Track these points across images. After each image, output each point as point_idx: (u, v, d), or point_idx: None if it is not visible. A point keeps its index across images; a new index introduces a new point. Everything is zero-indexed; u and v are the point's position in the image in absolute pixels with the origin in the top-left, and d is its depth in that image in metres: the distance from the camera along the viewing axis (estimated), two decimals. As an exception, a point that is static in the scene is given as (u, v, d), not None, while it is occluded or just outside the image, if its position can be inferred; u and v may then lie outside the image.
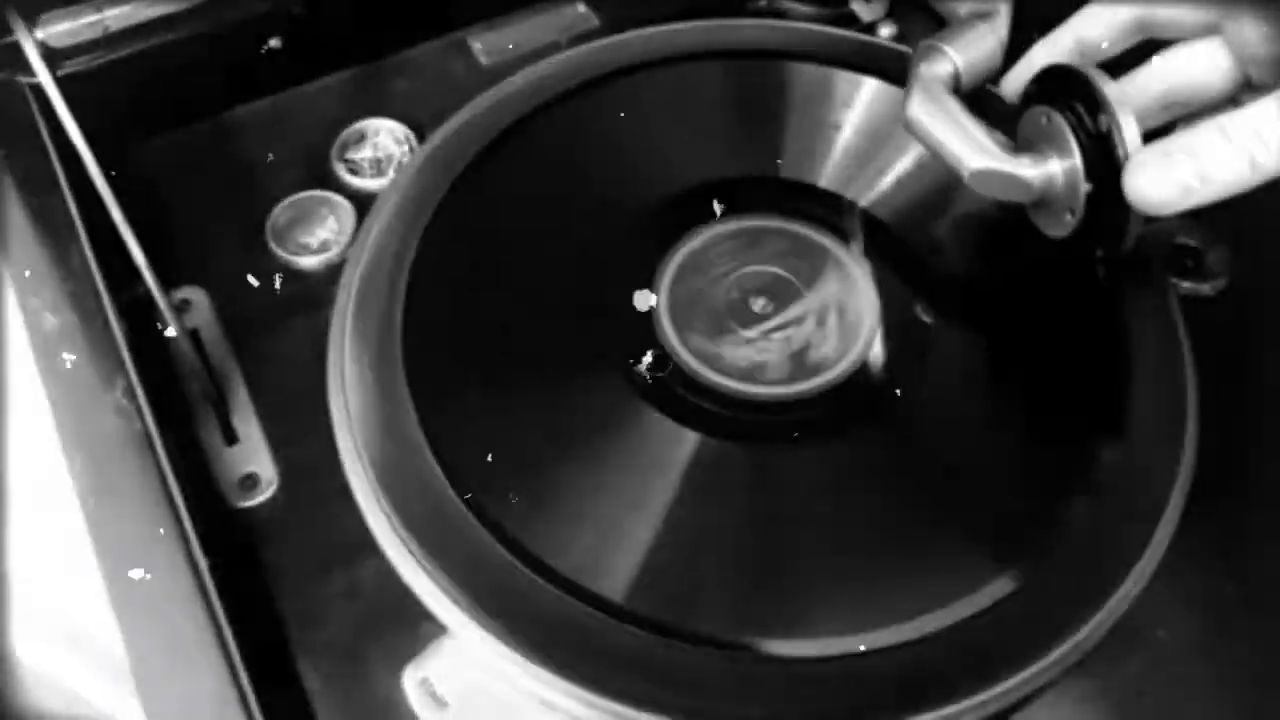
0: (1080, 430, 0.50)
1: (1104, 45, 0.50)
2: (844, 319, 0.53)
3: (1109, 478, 0.48)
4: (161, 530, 0.43)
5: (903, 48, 0.61)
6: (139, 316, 0.52)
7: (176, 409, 0.52)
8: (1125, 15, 0.49)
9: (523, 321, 0.52)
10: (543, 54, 0.63)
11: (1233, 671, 0.48)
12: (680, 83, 0.60)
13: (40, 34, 0.58)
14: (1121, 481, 0.48)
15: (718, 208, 0.56)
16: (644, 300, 0.53)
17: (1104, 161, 0.46)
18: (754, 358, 0.52)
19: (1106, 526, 0.46)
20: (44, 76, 0.48)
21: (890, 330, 0.53)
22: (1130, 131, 0.44)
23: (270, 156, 0.62)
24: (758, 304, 0.54)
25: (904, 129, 0.51)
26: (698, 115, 0.60)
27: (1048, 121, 0.48)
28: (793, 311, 0.53)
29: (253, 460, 0.51)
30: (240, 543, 0.49)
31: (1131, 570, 0.45)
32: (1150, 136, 0.45)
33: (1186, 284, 0.57)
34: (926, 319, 0.53)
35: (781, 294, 0.54)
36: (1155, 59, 0.49)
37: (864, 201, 0.57)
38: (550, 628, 0.43)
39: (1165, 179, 0.43)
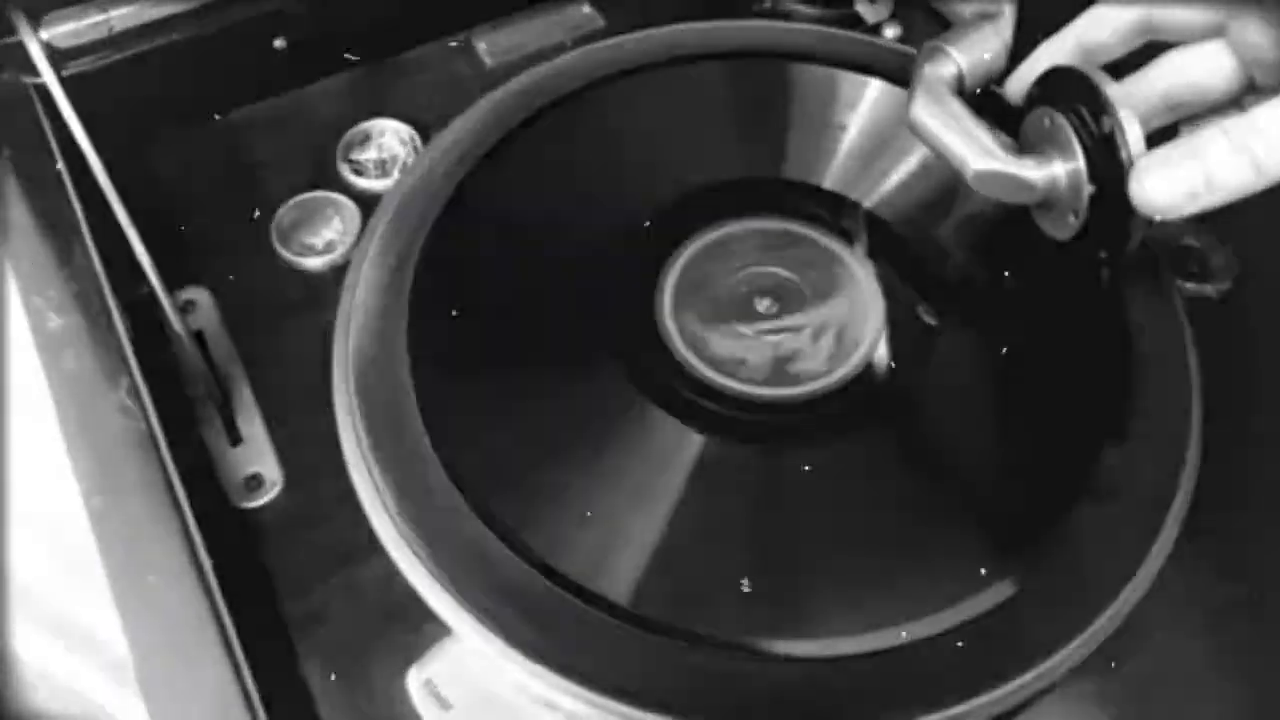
0: (1083, 432, 0.50)
1: (1109, 47, 0.50)
2: (840, 339, 0.53)
3: (1112, 479, 0.48)
4: (165, 530, 0.43)
5: (907, 49, 0.61)
6: (143, 317, 0.52)
7: (181, 409, 0.52)
8: (1130, 17, 0.49)
9: (528, 322, 0.53)
10: (548, 55, 0.63)
11: (1234, 673, 0.48)
12: (684, 84, 0.60)
13: (45, 34, 0.58)
14: (1124, 483, 0.47)
15: None
16: None
17: (1107, 164, 0.46)
18: (739, 354, 0.52)
19: (1109, 528, 0.46)
20: (49, 77, 0.48)
21: (894, 331, 0.53)
22: (1134, 134, 0.44)
23: (274, 157, 0.62)
24: (762, 304, 0.54)
25: (908, 130, 0.51)
26: (702, 116, 0.60)
27: (1051, 123, 0.48)
28: (792, 320, 0.53)
29: (257, 461, 0.51)
30: (244, 543, 0.49)
31: (1134, 572, 0.45)
32: (1154, 136, 0.45)
33: (1191, 285, 0.57)
34: (930, 320, 0.53)
35: (786, 295, 0.54)
36: (1159, 59, 0.49)
37: (868, 203, 0.57)
38: (554, 629, 0.43)
39: (1171, 184, 0.43)
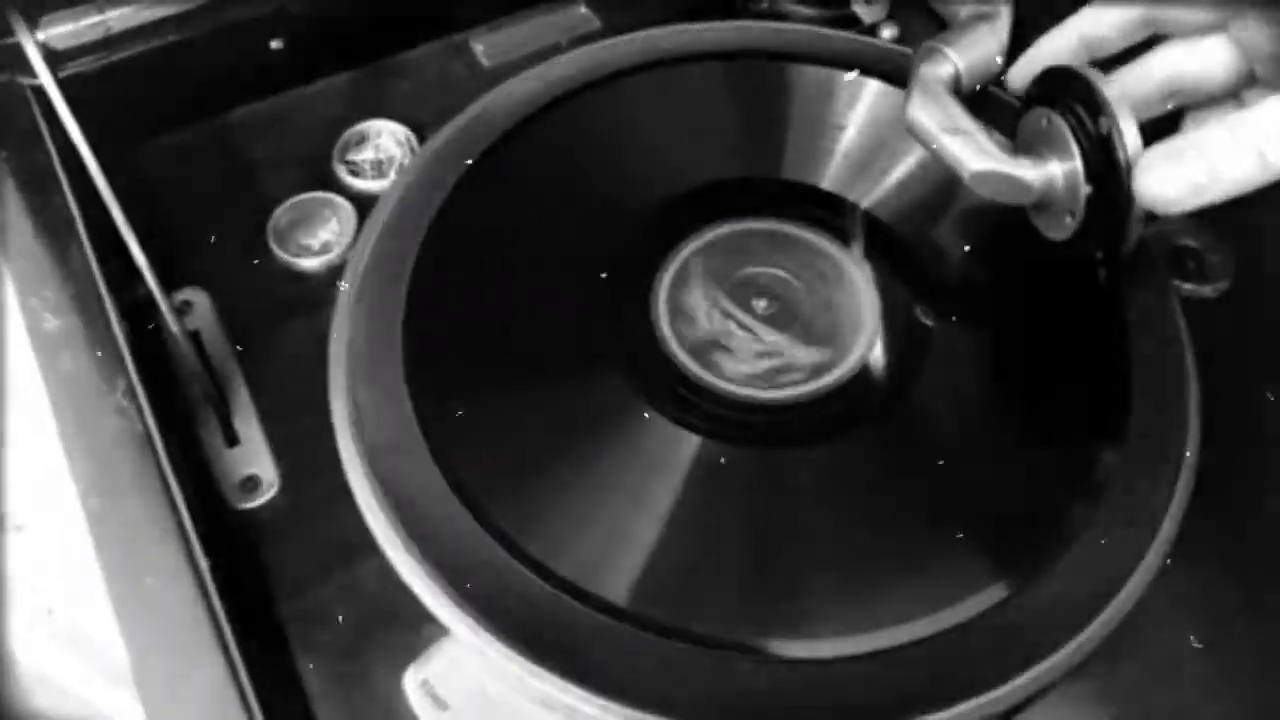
0: (1081, 432, 0.50)
1: (1110, 40, 0.50)
2: (837, 339, 0.53)
3: (1110, 479, 0.48)
4: (162, 531, 0.43)
5: (904, 49, 0.61)
6: (140, 318, 0.52)
7: (178, 410, 0.52)
8: (1131, 11, 0.49)
9: (523, 322, 0.53)
10: (544, 55, 0.63)
11: (1234, 673, 0.48)
12: (681, 85, 0.60)
13: (42, 35, 0.58)
14: (1122, 483, 0.47)
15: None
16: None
17: (1104, 164, 0.46)
18: (736, 355, 0.52)
19: (1108, 528, 0.46)
20: (45, 78, 0.48)
21: (891, 332, 0.53)
22: (1131, 134, 0.44)
23: (270, 157, 0.62)
24: (759, 305, 0.54)
25: (905, 130, 0.51)
26: (698, 117, 0.60)
27: (1048, 124, 0.48)
28: (789, 321, 0.53)
29: (254, 461, 0.51)
30: (241, 544, 0.49)
31: (1133, 572, 0.45)
32: (1153, 130, 0.45)
33: (1188, 286, 0.57)
34: (927, 321, 0.53)
35: (783, 296, 0.54)
36: (1159, 49, 0.49)
37: (865, 203, 0.57)
38: (551, 629, 0.43)
39: (1175, 177, 0.43)
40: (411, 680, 0.45)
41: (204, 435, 0.52)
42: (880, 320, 0.53)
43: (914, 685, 0.43)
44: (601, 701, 0.41)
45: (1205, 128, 0.43)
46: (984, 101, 0.52)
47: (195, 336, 0.54)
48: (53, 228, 0.51)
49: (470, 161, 0.56)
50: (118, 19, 0.60)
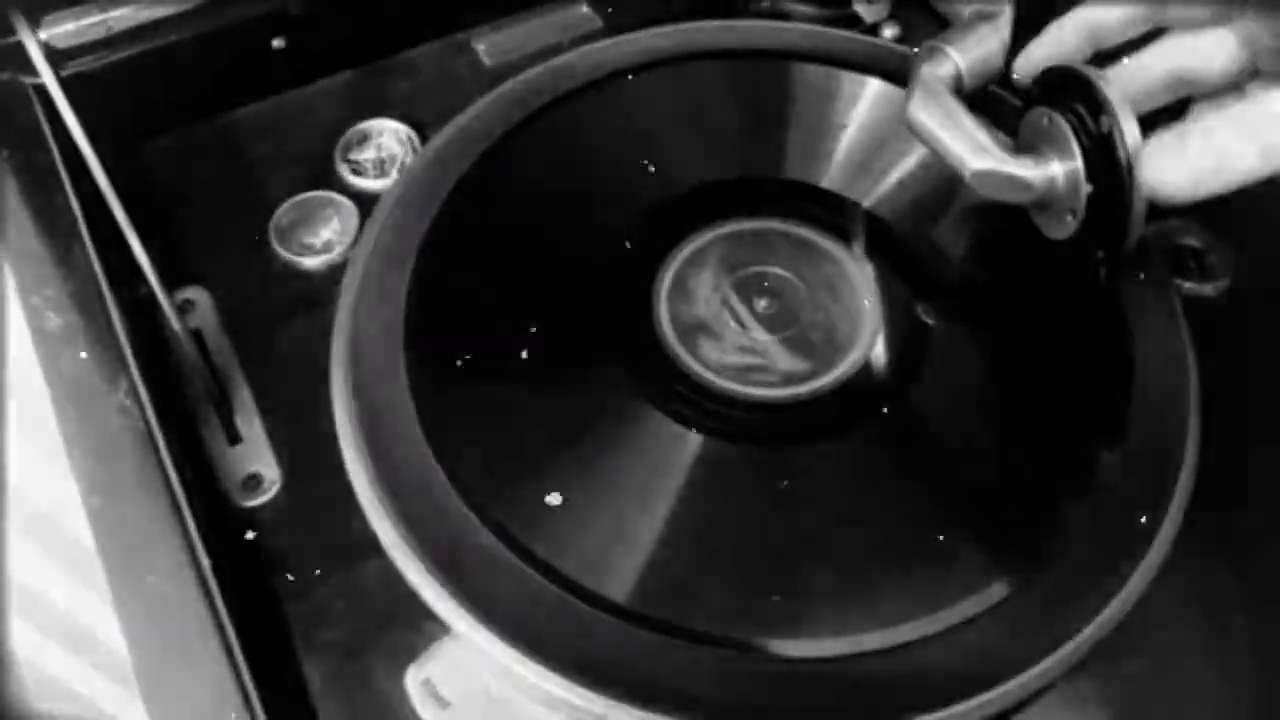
0: (1082, 431, 0.50)
1: (1115, 30, 0.50)
2: (838, 339, 0.53)
3: (1110, 478, 0.48)
4: (164, 530, 0.43)
5: (905, 49, 0.61)
6: (142, 316, 0.52)
7: (179, 409, 0.52)
8: (1135, 4, 0.49)
9: (525, 321, 0.52)
10: (546, 55, 0.63)
11: (1233, 673, 0.48)
12: (682, 84, 0.60)
13: (43, 34, 0.58)
14: (1123, 482, 0.48)
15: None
16: None
17: (1105, 163, 0.46)
18: (736, 354, 0.52)
19: (1108, 527, 0.46)
20: (48, 77, 0.48)
21: (892, 331, 0.53)
22: (1131, 133, 0.44)
23: (272, 156, 0.62)
24: (760, 304, 0.54)
25: (906, 130, 0.51)
26: (700, 116, 0.60)
27: (1049, 123, 0.48)
28: (790, 320, 0.53)
29: (256, 460, 0.51)
30: (243, 542, 0.49)
31: (1133, 571, 0.45)
32: (1153, 126, 0.45)
33: (1188, 284, 0.57)
34: (928, 320, 0.53)
35: (784, 295, 0.54)
36: (1162, 40, 0.48)
37: (867, 202, 0.57)
38: (553, 628, 0.43)
39: (1179, 164, 0.43)
40: (413, 679, 0.45)
41: (206, 434, 0.52)
42: (881, 319, 0.53)
43: (914, 684, 0.43)
44: (603, 700, 0.41)
45: (1211, 117, 0.43)
46: (985, 101, 0.52)
47: (197, 335, 0.54)
48: (55, 226, 0.51)
49: (472, 161, 0.56)
50: (119, 18, 0.60)
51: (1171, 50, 0.48)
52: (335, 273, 0.56)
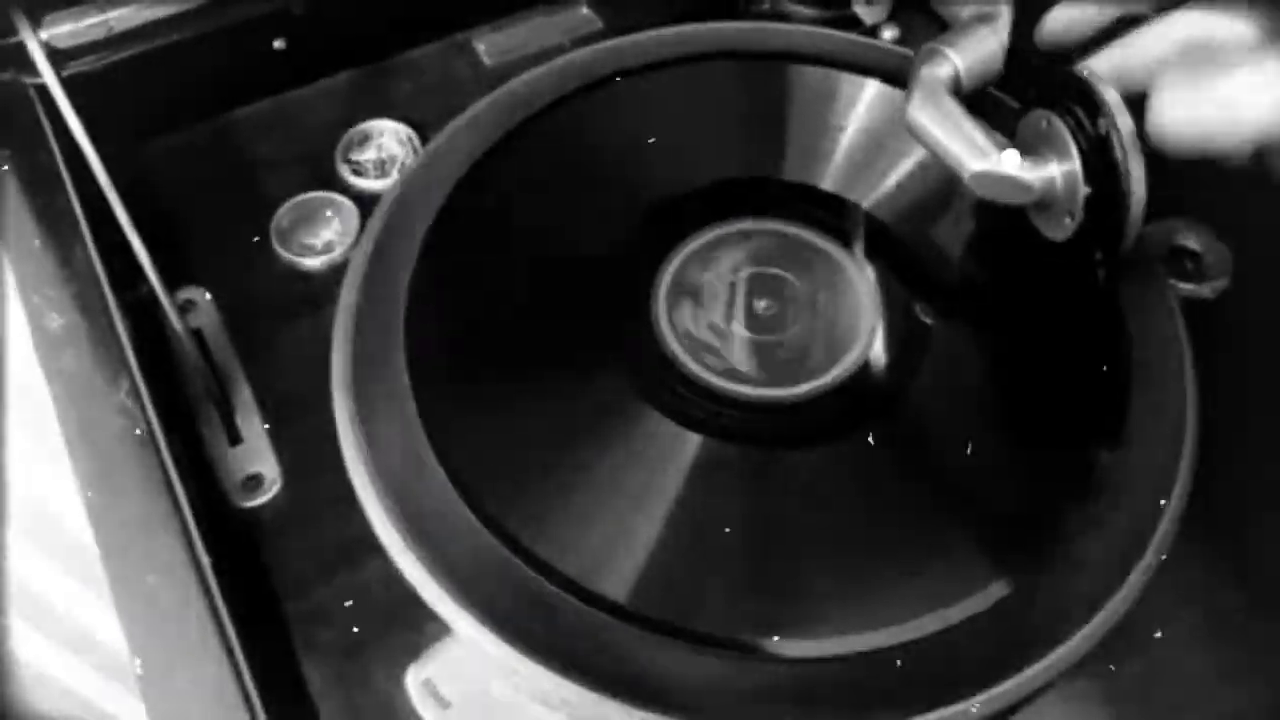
0: (1080, 432, 0.50)
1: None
2: (837, 339, 0.53)
3: (1108, 479, 0.48)
4: (165, 530, 0.44)
5: (905, 50, 0.61)
6: (143, 316, 0.52)
7: (180, 409, 0.52)
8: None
9: (526, 322, 0.53)
10: (546, 56, 0.63)
11: (1233, 672, 0.48)
12: (682, 85, 0.60)
13: (44, 34, 0.58)
14: (1121, 483, 0.48)
15: None
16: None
17: (1103, 165, 0.46)
18: (736, 355, 0.52)
19: (1106, 527, 0.46)
20: (49, 77, 0.48)
21: (891, 332, 0.53)
22: (1129, 136, 0.45)
23: (273, 157, 0.62)
24: (760, 305, 0.54)
25: (905, 131, 0.51)
26: (700, 117, 0.60)
27: (1047, 125, 0.48)
28: (789, 321, 0.53)
29: (256, 460, 0.52)
30: (244, 543, 0.49)
31: (1131, 571, 0.45)
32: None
33: (1186, 286, 0.57)
34: (927, 320, 0.53)
35: (784, 296, 0.54)
36: (1180, 10, 0.47)
37: (866, 203, 0.57)
38: (553, 628, 0.43)
39: (1188, 107, 0.42)
40: (414, 679, 0.45)
41: (206, 434, 0.52)
42: (880, 320, 0.53)
43: (914, 683, 0.43)
44: (603, 700, 0.41)
45: (1231, 57, 0.42)
46: (984, 103, 0.52)
47: (198, 335, 0.55)
48: (56, 227, 0.51)
49: (472, 162, 0.56)
50: (120, 18, 0.60)
51: (1188, 20, 0.47)
52: (336, 273, 0.56)
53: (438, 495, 0.46)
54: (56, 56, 0.58)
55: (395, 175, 0.61)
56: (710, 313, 0.53)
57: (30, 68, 0.52)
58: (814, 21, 0.68)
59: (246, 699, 0.40)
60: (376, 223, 0.54)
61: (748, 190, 0.58)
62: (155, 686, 0.40)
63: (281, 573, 0.49)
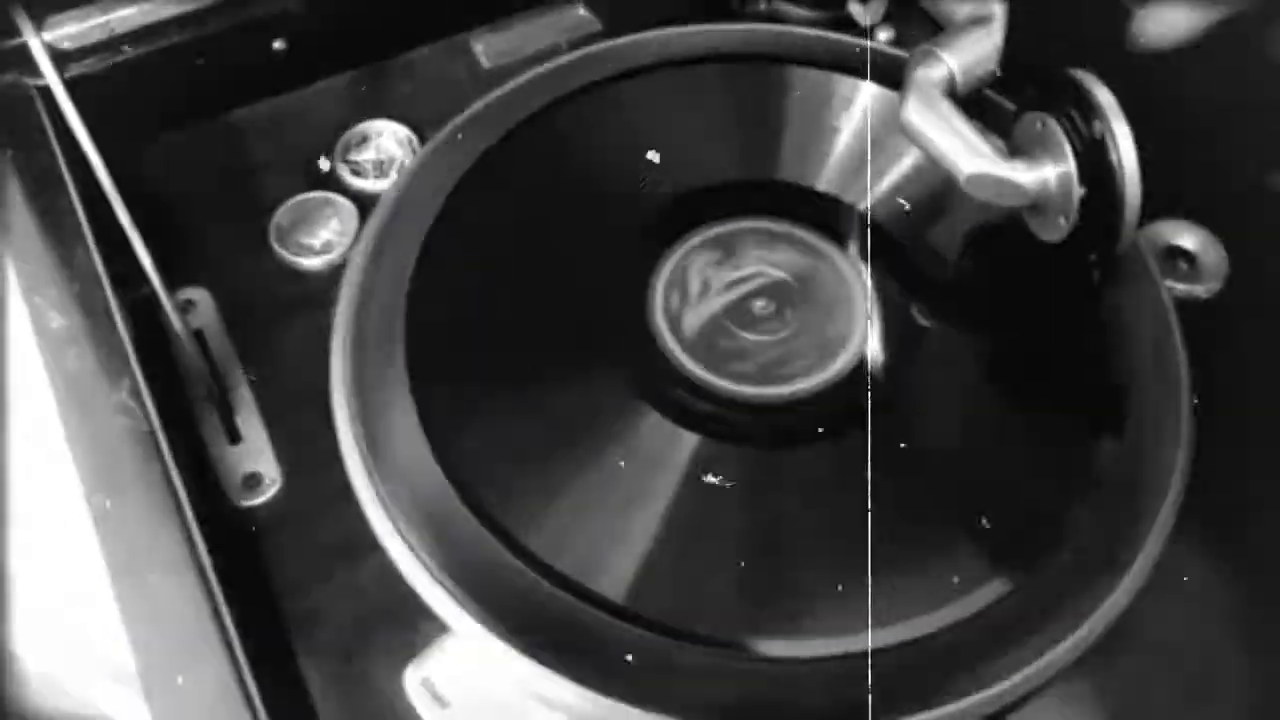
0: (1076, 431, 0.50)
1: None
2: (833, 339, 0.53)
3: (1105, 478, 0.48)
4: (166, 529, 0.44)
5: (900, 52, 0.61)
6: (144, 316, 0.52)
7: (180, 408, 0.52)
8: None
9: (524, 322, 0.53)
10: (544, 57, 0.63)
11: (1232, 672, 0.48)
12: (679, 86, 0.61)
13: (46, 36, 0.58)
14: (1117, 482, 0.48)
15: None
16: None
17: (1098, 167, 0.46)
18: (733, 355, 0.52)
19: (1103, 527, 0.47)
20: (52, 78, 0.48)
21: (887, 332, 0.53)
22: (1124, 138, 0.45)
23: (273, 157, 0.63)
24: (757, 305, 0.54)
25: (901, 133, 0.52)
26: (695, 119, 0.61)
27: (1042, 127, 0.48)
28: (786, 321, 0.53)
29: (256, 459, 0.52)
30: (243, 542, 0.49)
31: (1129, 570, 0.45)
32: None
33: (1181, 286, 0.57)
34: (923, 321, 0.54)
35: (780, 296, 0.54)
36: None
37: (861, 204, 0.57)
38: (552, 627, 0.43)
39: None
40: (412, 678, 0.45)
41: (207, 433, 0.52)
42: (877, 320, 0.53)
43: (912, 683, 0.43)
44: (602, 700, 0.41)
45: None
46: (979, 105, 0.53)
47: (198, 335, 0.55)
48: (58, 227, 0.51)
49: (470, 162, 0.56)
50: (121, 20, 0.60)
51: None
52: (335, 273, 0.56)
53: (437, 494, 0.46)
54: (58, 58, 0.58)
55: (394, 176, 0.61)
56: (707, 312, 0.53)
57: (33, 69, 0.52)
58: (809, 23, 0.68)
59: (248, 698, 0.40)
60: (375, 223, 0.54)
61: (744, 191, 0.58)
62: (158, 685, 0.41)
63: (281, 572, 0.49)
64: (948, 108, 0.50)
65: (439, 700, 0.44)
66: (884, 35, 0.68)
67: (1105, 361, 0.51)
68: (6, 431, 0.47)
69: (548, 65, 0.61)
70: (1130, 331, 0.52)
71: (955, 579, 0.45)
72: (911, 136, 0.51)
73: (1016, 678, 0.43)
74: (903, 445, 0.50)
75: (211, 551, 0.44)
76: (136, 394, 0.47)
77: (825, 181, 0.58)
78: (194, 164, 0.62)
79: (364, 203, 0.59)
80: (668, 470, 0.48)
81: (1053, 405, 0.51)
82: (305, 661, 0.47)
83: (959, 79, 0.52)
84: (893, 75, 0.57)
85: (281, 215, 0.59)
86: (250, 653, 0.42)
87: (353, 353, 0.50)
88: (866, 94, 0.59)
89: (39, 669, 0.44)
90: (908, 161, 0.57)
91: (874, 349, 0.53)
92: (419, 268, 0.52)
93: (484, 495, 0.46)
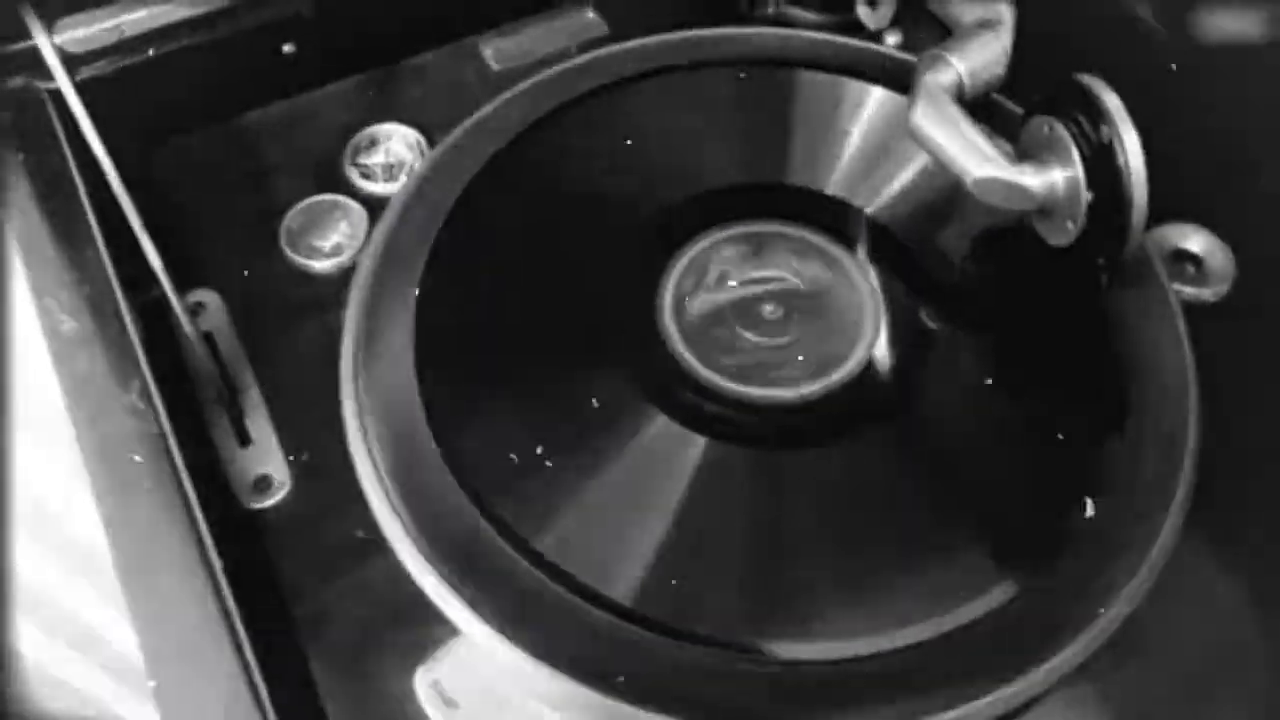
0: (1082, 436, 0.50)
1: None
2: (841, 342, 0.53)
3: (1110, 483, 0.48)
4: (176, 531, 0.44)
5: (908, 56, 0.61)
6: (153, 318, 0.52)
7: (190, 411, 0.52)
8: None
9: (533, 324, 0.53)
10: (553, 60, 0.63)
11: (1235, 674, 0.48)
12: (686, 90, 0.61)
13: (57, 39, 0.58)
14: (1122, 487, 0.48)
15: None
16: None
17: (1105, 172, 0.46)
18: (742, 358, 0.52)
19: (1108, 531, 0.47)
20: (64, 82, 0.48)
21: (895, 335, 0.53)
22: (1131, 143, 0.45)
23: (283, 160, 0.63)
24: (765, 308, 0.54)
25: (909, 137, 0.52)
26: (703, 122, 0.61)
27: (1050, 131, 0.49)
28: (794, 324, 0.53)
29: (265, 462, 0.52)
30: (253, 544, 0.50)
31: (1134, 574, 0.45)
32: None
33: (1188, 290, 0.57)
34: (931, 324, 0.54)
35: (789, 299, 0.54)
36: None
37: (870, 208, 0.57)
38: (561, 629, 0.43)
39: None
40: (422, 680, 0.45)
41: (216, 436, 0.52)
42: (885, 324, 0.54)
43: (917, 687, 0.43)
44: (610, 703, 0.41)
45: None
46: (988, 109, 0.53)
47: (208, 337, 0.55)
48: (69, 230, 0.51)
49: (479, 165, 0.56)
50: (131, 23, 0.60)
51: None
52: (344, 276, 0.56)
53: (446, 496, 0.46)
54: (69, 61, 0.58)
55: (403, 179, 0.61)
56: (715, 315, 0.54)
57: (43, 72, 0.52)
58: (817, 27, 0.69)
59: (257, 700, 0.40)
60: (384, 226, 0.54)
61: (753, 194, 0.58)
62: (169, 687, 0.41)
63: (290, 574, 0.49)
64: (956, 112, 0.50)
65: (448, 702, 0.44)
66: (892, 39, 0.68)
67: (1112, 365, 0.51)
68: (13, 432, 0.47)
69: (556, 69, 0.61)
70: (1137, 335, 0.52)
71: (963, 582, 0.45)
72: (919, 141, 0.51)
73: (1020, 683, 0.43)
74: (908, 449, 0.50)
75: (221, 553, 0.44)
76: (146, 396, 0.47)
77: (834, 185, 0.58)
78: (204, 167, 0.62)
79: (373, 206, 0.59)
80: (677, 473, 0.48)
81: (1061, 410, 0.51)
82: (315, 663, 0.47)
83: (967, 83, 0.52)
84: (901, 79, 0.57)
85: (291, 218, 0.59)
86: (260, 654, 0.42)
87: (362, 355, 0.50)
88: (875, 98, 0.59)
89: (44, 668, 0.44)
90: (916, 166, 0.57)
91: (882, 352, 0.53)
92: (428, 271, 0.53)
93: (493, 497, 0.46)
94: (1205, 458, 0.49)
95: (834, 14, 0.69)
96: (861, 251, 0.56)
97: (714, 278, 0.55)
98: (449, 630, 0.44)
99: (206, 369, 0.52)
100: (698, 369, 0.52)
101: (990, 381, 0.52)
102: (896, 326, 0.54)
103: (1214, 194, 0.58)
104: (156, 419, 0.47)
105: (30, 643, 0.45)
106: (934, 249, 0.56)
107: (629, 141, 0.59)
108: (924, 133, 0.51)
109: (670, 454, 0.49)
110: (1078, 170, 0.47)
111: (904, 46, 0.67)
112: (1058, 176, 0.48)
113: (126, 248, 0.50)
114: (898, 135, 0.55)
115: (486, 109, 0.59)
